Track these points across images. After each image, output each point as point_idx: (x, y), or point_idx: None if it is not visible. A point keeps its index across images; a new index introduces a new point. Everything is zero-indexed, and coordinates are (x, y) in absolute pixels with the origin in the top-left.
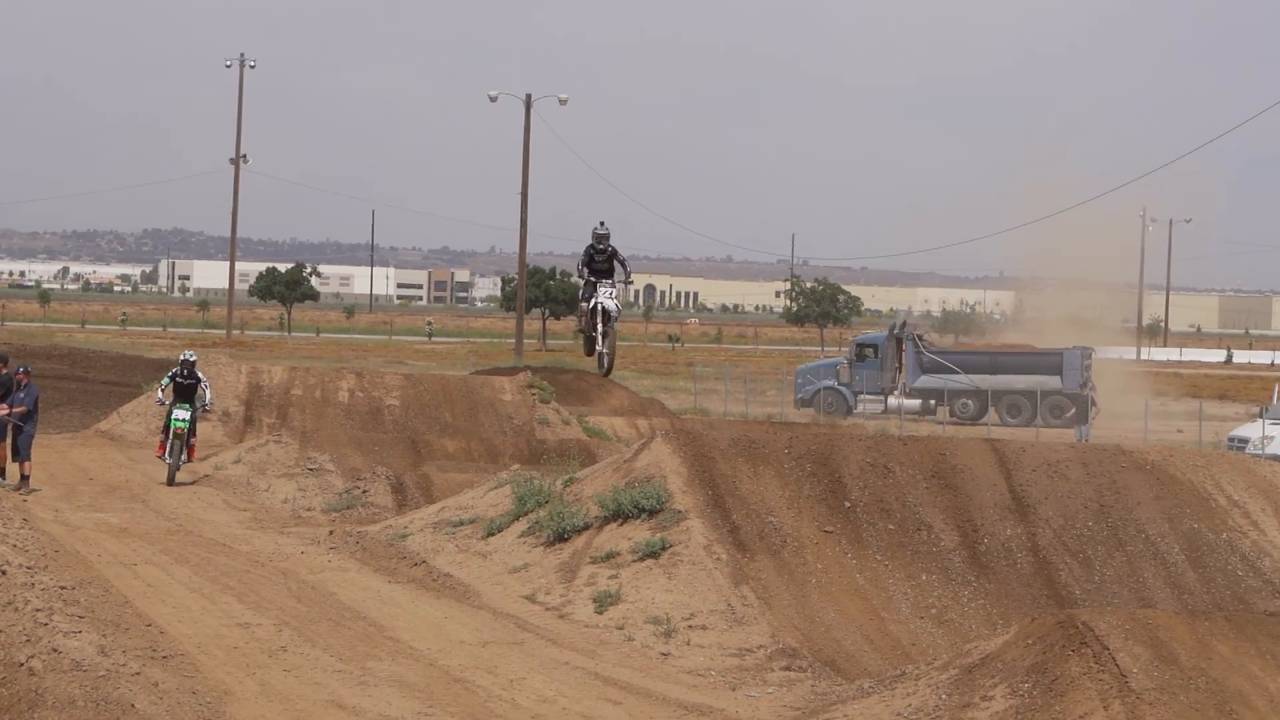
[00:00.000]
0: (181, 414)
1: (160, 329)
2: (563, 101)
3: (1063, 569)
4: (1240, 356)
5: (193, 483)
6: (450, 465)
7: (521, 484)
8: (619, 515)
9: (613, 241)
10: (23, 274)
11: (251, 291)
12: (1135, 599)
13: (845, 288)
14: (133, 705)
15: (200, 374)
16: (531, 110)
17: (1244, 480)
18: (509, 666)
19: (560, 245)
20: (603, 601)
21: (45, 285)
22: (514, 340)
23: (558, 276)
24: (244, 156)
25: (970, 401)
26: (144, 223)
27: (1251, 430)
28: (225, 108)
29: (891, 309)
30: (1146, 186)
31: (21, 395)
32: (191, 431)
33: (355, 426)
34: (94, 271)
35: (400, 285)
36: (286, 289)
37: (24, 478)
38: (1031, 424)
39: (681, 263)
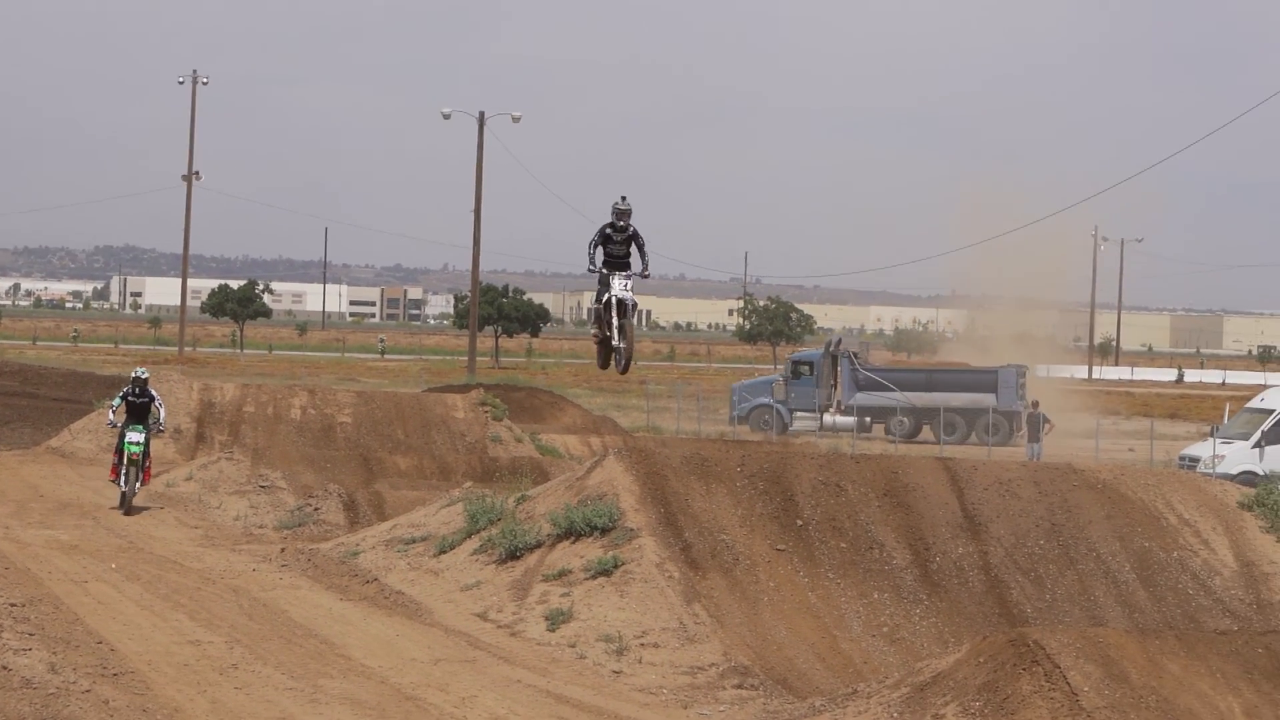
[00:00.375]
0: (135, 436)
1: (112, 346)
2: (516, 119)
3: (1014, 587)
4: (1191, 376)
5: (148, 509)
6: (402, 483)
7: (474, 502)
8: (571, 533)
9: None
10: None
11: (204, 308)
12: (1086, 617)
13: (798, 306)
14: None
15: (153, 391)
16: (485, 128)
17: (1195, 499)
18: (461, 684)
19: (514, 263)
20: (555, 619)
21: None
22: (467, 358)
23: (511, 294)
24: (196, 173)
25: (906, 419)
26: (96, 239)
27: (1202, 449)
28: (178, 124)
29: (844, 327)
30: (1098, 206)
31: None
32: (146, 454)
33: (307, 444)
34: (45, 288)
35: (353, 302)
36: (239, 306)
37: None
38: (966, 441)
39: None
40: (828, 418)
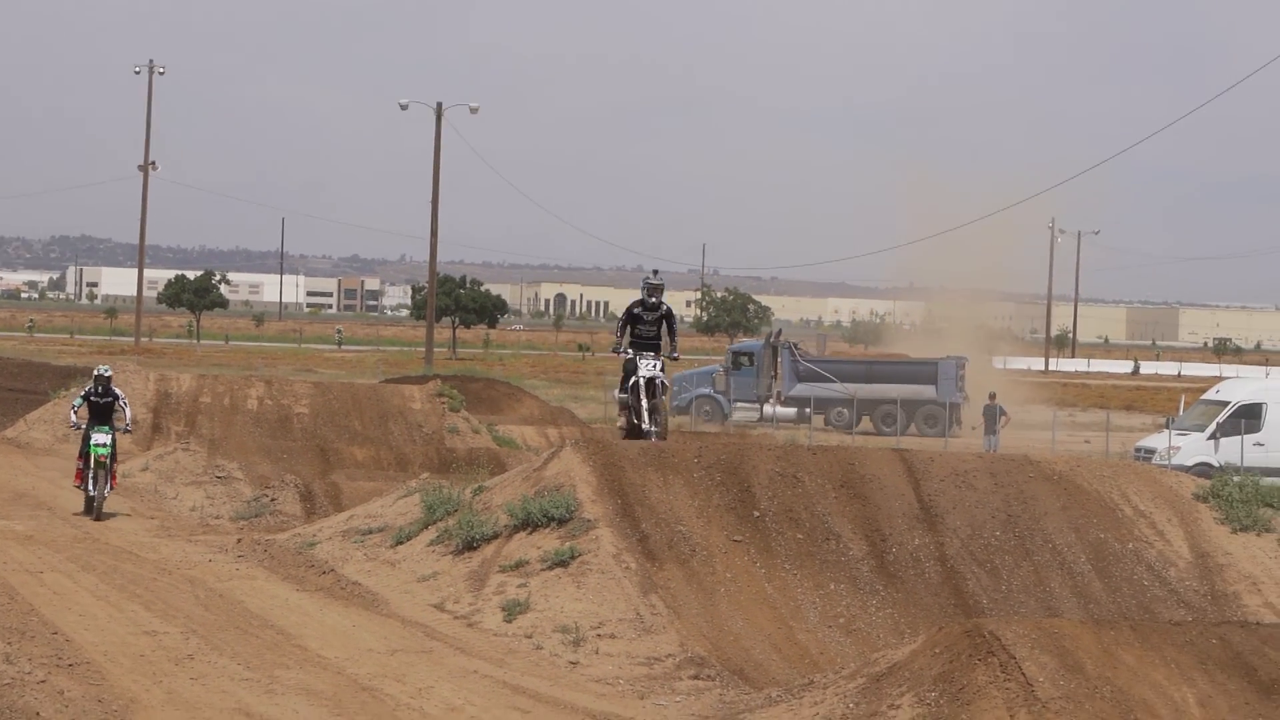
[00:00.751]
0: (101, 438)
1: (68, 336)
2: (474, 110)
3: (970, 578)
4: (1147, 368)
5: (115, 515)
6: (359, 473)
7: (431, 492)
8: (528, 524)
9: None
10: None
11: (160, 299)
12: (1042, 608)
13: (756, 297)
14: (38, 714)
15: (118, 390)
16: (442, 119)
17: (1150, 490)
18: (417, 675)
19: (471, 254)
20: (511, 610)
21: None
22: (424, 349)
23: (468, 285)
24: (153, 163)
25: (845, 410)
26: (51, 229)
27: (1158, 441)
28: (135, 114)
29: (801, 319)
30: (1055, 199)
31: None
32: (113, 457)
33: (264, 434)
34: (0, 278)
35: (310, 293)
36: (195, 296)
37: None
38: (905, 433)
39: (593, 272)
40: (768, 408)
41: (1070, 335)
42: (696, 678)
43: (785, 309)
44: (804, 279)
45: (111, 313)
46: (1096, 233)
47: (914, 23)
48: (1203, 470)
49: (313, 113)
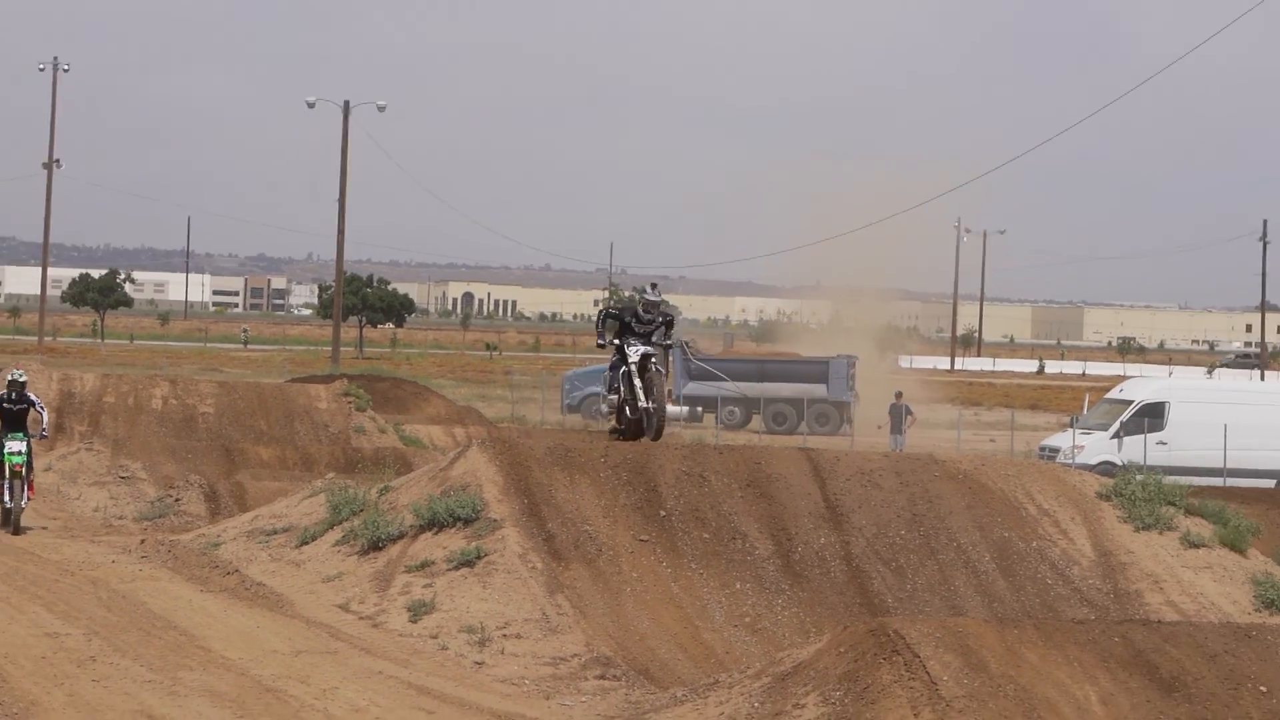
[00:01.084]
0: (16, 446)
1: None
2: (381, 108)
3: (875, 577)
4: (1052, 367)
5: (31, 529)
6: (265, 473)
7: (336, 492)
8: (434, 524)
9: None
10: None
11: (64, 298)
12: (946, 607)
13: (664, 296)
14: None
15: (32, 395)
16: (349, 117)
17: (1054, 489)
18: (322, 676)
19: (379, 253)
20: (417, 610)
21: None
22: (331, 348)
23: (375, 284)
24: (57, 161)
25: (737, 409)
26: None
27: (1062, 440)
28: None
29: (709, 318)
30: (962, 197)
31: None
32: (29, 465)
33: (169, 434)
34: None
35: (216, 292)
36: (100, 295)
37: None
38: (796, 431)
39: (500, 270)
40: None
41: (976, 334)
42: (602, 678)
43: (694, 308)
44: (712, 278)
45: (15, 312)
46: (1002, 232)
47: (829, 20)
48: (1106, 469)
49: (219, 110)
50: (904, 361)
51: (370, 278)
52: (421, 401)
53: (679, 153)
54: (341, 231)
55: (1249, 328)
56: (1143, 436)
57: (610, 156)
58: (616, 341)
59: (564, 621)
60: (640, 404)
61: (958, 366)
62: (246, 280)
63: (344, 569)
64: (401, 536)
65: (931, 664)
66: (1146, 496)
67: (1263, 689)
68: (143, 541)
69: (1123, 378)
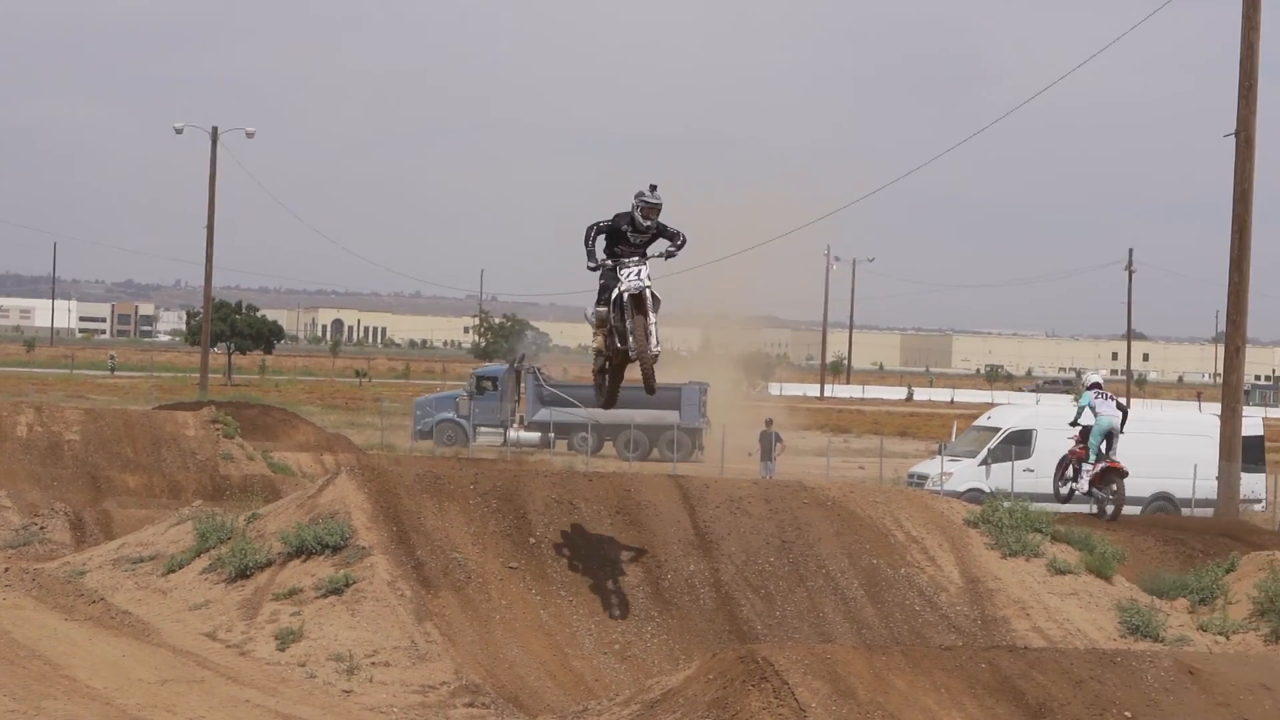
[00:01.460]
0: None
1: None
2: (250, 135)
3: (745, 604)
4: (921, 394)
5: None
6: (131, 501)
7: (204, 520)
8: (302, 551)
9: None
10: None
11: None
12: (815, 634)
13: (534, 324)
14: None
15: None
16: (218, 143)
17: (922, 516)
18: (188, 705)
19: (248, 279)
20: (285, 638)
21: None
22: (199, 375)
23: (244, 311)
24: None
25: (589, 435)
26: None
27: (930, 467)
28: None
29: (580, 345)
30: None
31: None
32: None
33: (33, 462)
34: None
35: (83, 318)
36: None
37: None
38: (649, 458)
39: (370, 297)
40: (511, 433)
41: (845, 362)
42: (471, 705)
43: (564, 334)
44: (581, 304)
45: None
46: (871, 260)
47: (701, 46)
48: (974, 496)
49: (86, 135)
50: (774, 389)
51: (239, 304)
52: (290, 429)
53: (549, 181)
54: (210, 258)
55: (1115, 355)
56: (1010, 463)
57: (479, 183)
58: (609, 262)
59: (433, 649)
60: (631, 349)
61: (827, 394)
62: (114, 307)
63: (211, 597)
64: (269, 564)
65: (800, 691)
66: (1013, 523)
67: (1128, 715)
68: (5, 570)
69: (990, 405)
